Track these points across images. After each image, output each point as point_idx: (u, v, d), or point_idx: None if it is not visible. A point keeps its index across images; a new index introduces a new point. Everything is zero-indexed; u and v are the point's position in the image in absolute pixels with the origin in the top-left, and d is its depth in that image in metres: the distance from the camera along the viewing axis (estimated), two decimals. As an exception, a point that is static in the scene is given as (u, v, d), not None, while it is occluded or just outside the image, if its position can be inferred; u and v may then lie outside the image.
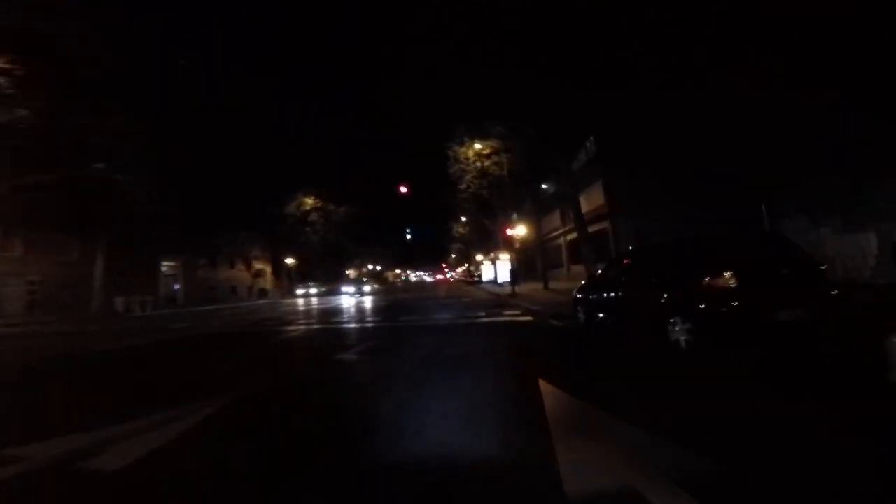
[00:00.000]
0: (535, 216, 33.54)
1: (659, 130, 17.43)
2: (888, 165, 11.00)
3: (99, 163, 18.55)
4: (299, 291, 36.99)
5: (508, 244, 23.81)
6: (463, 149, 25.26)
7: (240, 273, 40.78)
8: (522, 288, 21.31)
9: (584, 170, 24.72)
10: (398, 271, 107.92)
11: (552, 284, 21.03)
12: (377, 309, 16.30)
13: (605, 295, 6.42)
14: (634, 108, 17.57)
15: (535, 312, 10.77)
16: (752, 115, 13.83)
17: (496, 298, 18.12)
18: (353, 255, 58.14)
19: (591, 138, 23.36)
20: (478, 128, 21.94)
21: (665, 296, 4.96)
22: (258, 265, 44.11)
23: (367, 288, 28.30)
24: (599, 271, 7.28)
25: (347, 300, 23.16)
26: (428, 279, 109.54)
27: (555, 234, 30.79)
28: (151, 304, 25.85)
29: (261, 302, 29.91)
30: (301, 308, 19.89)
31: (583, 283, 8.06)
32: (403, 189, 20.86)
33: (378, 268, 79.71)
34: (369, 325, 10.58)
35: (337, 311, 15.58)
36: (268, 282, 46.21)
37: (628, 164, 19.86)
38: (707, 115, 15.20)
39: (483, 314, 11.25)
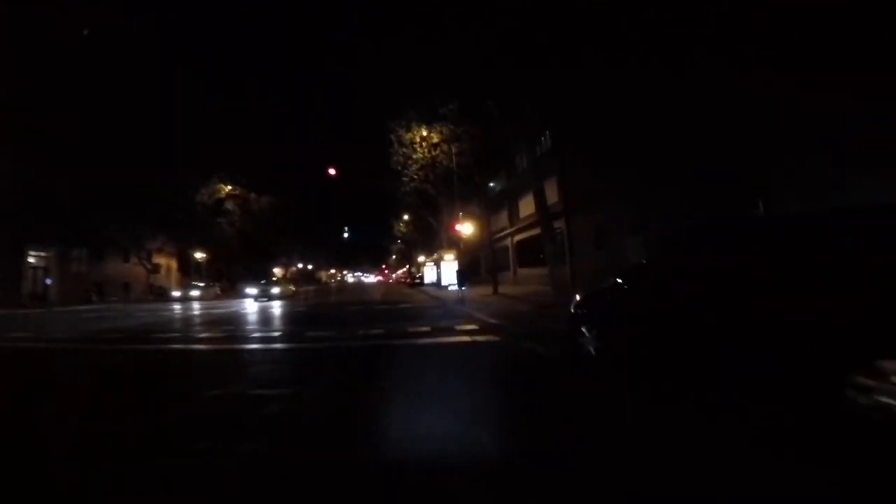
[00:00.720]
0: (483, 215, 31.28)
1: (621, 121, 15.51)
2: (886, 158, 9.63)
3: None
4: (175, 294, 30.14)
5: (455, 242, 21.05)
6: (410, 134, 22.04)
7: (136, 268, 34.30)
8: (469, 292, 18.55)
9: (538, 164, 22.71)
10: (333, 271, 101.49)
11: (500, 289, 18.55)
12: (287, 317, 12.67)
13: (657, 313, 3.66)
14: (594, 98, 15.55)
15: (497, 328, 7.96)
16: (731, 100, 12.19)
17: (442, 304, 15.21)
18: (279, 251, 52.49)
19: (547, 132, 21.39)
20: (427, 108, 18.92)
21: (853, 317, 2.29)
22: (160, 259, 37.69)
23: (275, 290, 23.61)
24: (620, 276, 4.51)
25: (251, 305, 18.85)
26: (367, 280, 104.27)
27: (501, 234, 28.67)
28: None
29: (149, 305, 24.38)
30: (187, 314, 15.57)
31: (579, 295, 5.35)
32: (332, 171, 17.50)
33: (309, 267, 73.75)
34: (256, 345, 7.10)
35: (229, 321, 11.74)
36: (173, 279, 39.84)
37: (586, 158, 17.88)
38: (678, 102, 13.45)
39: (427, 328, 8.25)
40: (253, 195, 38.92)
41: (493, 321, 8.91)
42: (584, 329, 4.76)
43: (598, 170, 16.85)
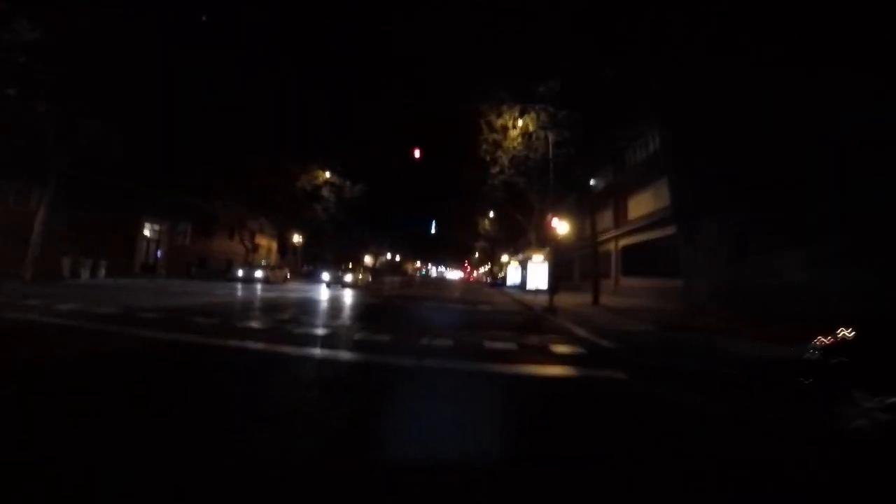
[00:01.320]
0: (581, 213, 27.77)
1: (748, 117, 11.53)
2: None
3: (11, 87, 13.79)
4: (239, 273, 26.19)
5: (549, 242, 18.32)
6: (501, 119, 19.74)
7: (239, 245, 36.85)
8: (560, 299, 15.64)
9: (643, 166, 19.01)
10: (418, 264, 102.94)
11: (590, 299, 15.23)
12: (350, 310, 11.24)
13: None
14: (719, 87, 11.94)
15: (612, 356, 5.46)
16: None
17: (527, 311, 12.82)
18: (367, 240, 53.71)
19: (656, 129, 17.59)
20: (522, 87, 16.46)
21: None
22: (262, 240, 40.31)
23: (348, 278, 22.70)
24: None
25: (322, 292, 17.97)
26: (449, 276, 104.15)
27: (603, 237, 25.05)
28: (105, 268, 21.73)
29: (238, 283, 25.20)
30: (253, 296, 15.09)
31: (829, 336, 2.70)
32: (416, 153, 16.09)
33: (397, 258, 75.23)
34: (285, 347, 5.38)
35: (288, 307, 10.57)
36: (271, 259, 42.53)
37: (720, 148, 13.93)
38: (817, 104, 9.40)
39: (512, 346, 6.00)
40: (348, 183, 39.68)
41: (603, 343, 6.35)
42: (856, 392, 2.20)
43: (736, 163, 12.89)
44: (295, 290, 18.84)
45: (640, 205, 20.71)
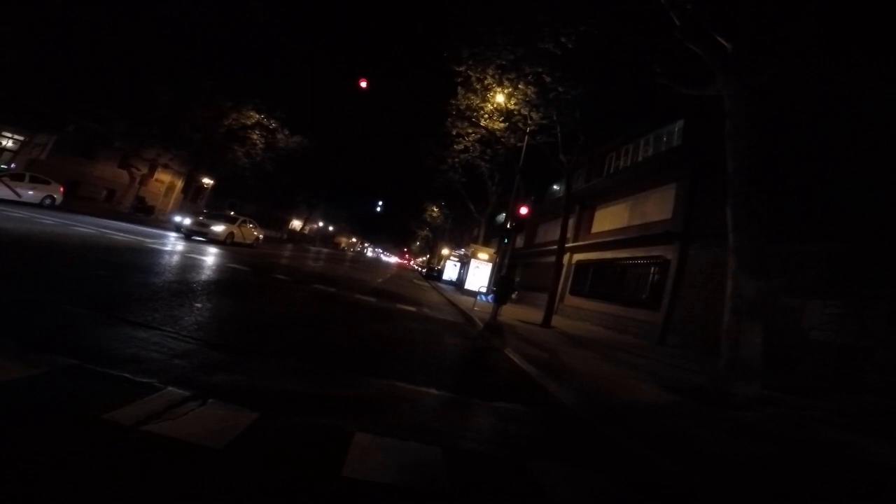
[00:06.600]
0: (531, 220, 25.01)
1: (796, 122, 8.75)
2: None
3: None
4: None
5: (509, 232, 14.73)
6: (482, 83, 15.24)
7: (125, 175, 29.99)
8: (503, 310, 12.10)
9: (648, 166, 16.28)
10: (354, 240, 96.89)
11: (535, 315, 11.96)
12: (151, 289, 6.93)
13: None
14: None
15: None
16: None
17: (465, 326, 9.24)
18: (299, 202, 47.76)
19: (682, 122, 14.84)
20: (521, 37, 12.31)
21: None
22: (163, 176, 33.49)
23: (218, 228, 16.51)
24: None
25: (165, 243, 12.38)
26: (384, 258, 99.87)
27: (551, 247, 22.25)
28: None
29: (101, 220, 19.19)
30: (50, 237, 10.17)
31: None
32: (363, 84, 12.01)
33: (330, 228, 69.30)
34: None
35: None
36: (173, 199, 35.70)
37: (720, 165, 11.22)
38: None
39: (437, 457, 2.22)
40: (286, 131, 33.88)
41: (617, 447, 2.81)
42: None
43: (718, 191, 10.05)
44: (120, 231, 13.37)
45: (611, 218, 18.03)
